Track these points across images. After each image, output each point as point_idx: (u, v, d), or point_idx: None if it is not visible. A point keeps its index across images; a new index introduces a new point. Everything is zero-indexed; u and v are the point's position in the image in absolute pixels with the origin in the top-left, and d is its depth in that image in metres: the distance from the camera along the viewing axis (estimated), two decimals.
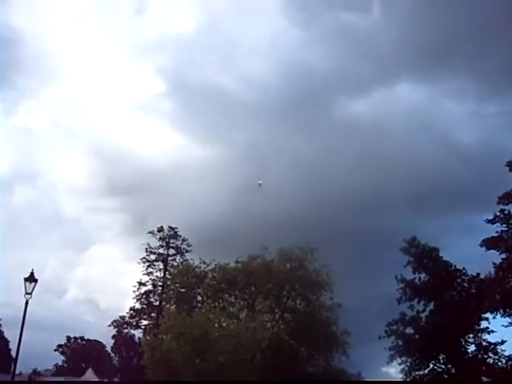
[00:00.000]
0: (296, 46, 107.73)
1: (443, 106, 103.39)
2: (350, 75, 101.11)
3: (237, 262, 44.03)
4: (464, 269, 37.75)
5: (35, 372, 77.37)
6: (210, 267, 44.46)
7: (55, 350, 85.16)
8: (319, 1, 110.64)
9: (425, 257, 37.90)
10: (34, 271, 25.29)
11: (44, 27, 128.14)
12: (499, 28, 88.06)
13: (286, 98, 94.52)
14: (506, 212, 34.75)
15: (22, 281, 24.91)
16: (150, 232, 63.92)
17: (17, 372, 31.84)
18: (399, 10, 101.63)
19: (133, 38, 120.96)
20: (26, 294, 24.77)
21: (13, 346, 67.63)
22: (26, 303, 24.71)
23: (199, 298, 44.87)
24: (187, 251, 63.08)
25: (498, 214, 34.87)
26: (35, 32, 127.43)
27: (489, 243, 34.81)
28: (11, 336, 71.42)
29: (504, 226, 34.83)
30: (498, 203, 34.95)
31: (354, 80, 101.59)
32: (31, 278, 25.01)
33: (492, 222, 35.11)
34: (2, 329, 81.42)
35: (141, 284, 62.70)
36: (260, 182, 51.68)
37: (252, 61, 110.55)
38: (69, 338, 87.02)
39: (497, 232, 35.03)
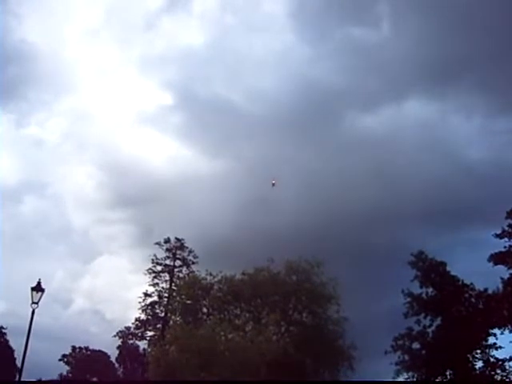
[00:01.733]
0: (305, 61, 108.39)
1: (452, 122, 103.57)
2: (360, 90, 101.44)
3: (243, 274, 43.93)
4: (471, 284, 37.54)
5: (39, 382, 77.13)
6: (216, 279, 44.40)
7: (60, 360, 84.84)
8: (329, 17, 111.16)
9: (432, 271, 37.71)
10: (41, 281, 25.33)
11: (56, 42, 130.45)
12: (508, 44, 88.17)
13: (294, 113, 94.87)
14: None
15: (29, 290, 24.94)
16: (156, 243, 63.83)
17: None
18: (409, 25, 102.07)
19: (142, 52, 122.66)
20: (33, 303, 24.80)
21: (18, 355, 67.67)
22: (33, 313, 24.74)
23: (205, 309, 44.76)
24: (193, 263, 62.87)
25: (506, 228, 34.72)
26: (48, 47, 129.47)
27: (497, 258, 34.67)
28: (16, 345, 71.38)
29: None
30: (507, 218, 34.88)
31: (363, 95, 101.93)
32: (38, 288, 25.06)
33: (500, 236, 34.99)
34: (8, 338, 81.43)
35: (146, 295, 62.53)
36: (274, 181, 51.64)
37: (260, 75, 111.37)
38: (74, 347, 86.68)
39: (505, 247, 34.90)
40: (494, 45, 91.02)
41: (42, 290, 25.18)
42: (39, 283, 25.22)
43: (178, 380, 35.71)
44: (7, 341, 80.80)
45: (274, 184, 51.29)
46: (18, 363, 51.59)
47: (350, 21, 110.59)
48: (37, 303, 24.84)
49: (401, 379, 37.31)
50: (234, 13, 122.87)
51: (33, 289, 24.98)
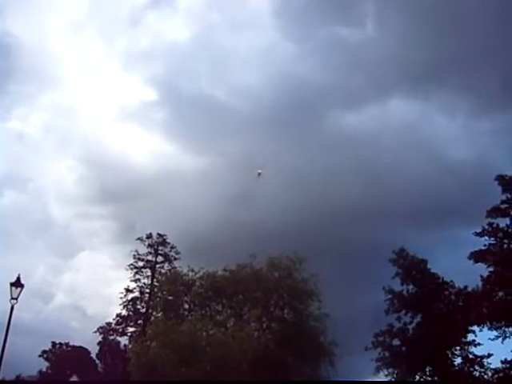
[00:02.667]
0: (289, 58, 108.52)
1: (436, 121, 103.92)
2: (344, 88, 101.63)
3: (225, 270, 43.94)
4: (452, 281, 37.98)
5: (18, 378, 76.50)
6: (198, 275, 44.35)
7: (39, 356, 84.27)
8: (313, 15, 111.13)
9: (413, 268, 38.05)
10: (21, 276, 25.09)
11: (40, 35, 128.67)
12: (492, 45, 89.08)
13: (278, 110, 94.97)
14: (494, 225, 34.95)
15: (8, 286, 24.70)
16: (138, 238, 63.59)
17: (0, 378, 31.48)
18: (393, 25, 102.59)
19: (127, 47, 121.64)
20: (12, 299, 24.56)
21: None
22: (12, 308, 24.50)
23: (186, 305, 44.69)
24: (175, 259, 62.75)
25: (487, 227, 35.07)
26: (31, 40, 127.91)
27: (477, 256, 35.00)
28: None
29: (492, 239, 35.08)
30: (487, 217, 35.20)
31: (347, 93, 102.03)
32: (17, 283, 24.81)
33: (480, 234, 35.33)
34: None
35: (128, 291, 62.27)
36: (259, 171, 51.57)
37: (245, 72, 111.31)
38: (54, 343, 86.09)
39: (485, 245, 35.26)
40: (478, 45, 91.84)
41: (22, 286, 24.94)
42: (18, 278, 24.97)
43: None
44: None
45: (259, 174, 51.28)
46: None
47: (335, 19, 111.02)
48: (16, 299, 24.60)
49: (381, 375, 37.68)
50: (219, 9, 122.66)
51: (12, 284, 24.73)
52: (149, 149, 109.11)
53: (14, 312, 24.46)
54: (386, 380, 37.05)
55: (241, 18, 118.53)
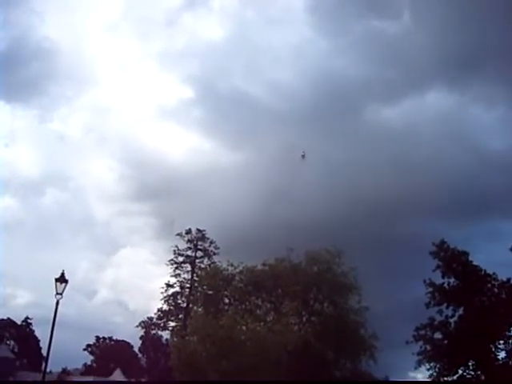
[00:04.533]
0: (324, 53, 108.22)
1: (473, 112, 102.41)
2: (380, 82, 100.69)
3: (264, 264, 44.08)
4: (494, 273, 37.13)
5: (64, 371, 78.56)
6: (237, 270, 44.63)
7: (84, 350, 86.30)
8: (347, 9, 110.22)
9: (454, 261, 37.35)
10: (65, 272, 25.72)
11: (78, 38, 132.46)
12: None
13: (314, 105, 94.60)
14: None
15: (53, 281, 25.34)
16: (178, 234, 64.41)
17: (47, 370, 32.38)
18: (430, 16, 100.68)
19: (163, 46, 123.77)
20: (57, 294, 25.19)
21: (43, 345, 68.96)
22: (57, 303, 25.14)
23: (226, 300, 45.03)
24: (215, 254, 63.32)
25: None
26: (69, 43, 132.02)
27: None
28: (42, 335, 72.76)
29: None
30: None
31: (383, 87, 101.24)
32: (62, 279, 25.43)
33: None
34: (33, 328, 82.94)
35: (168, 286, 63.12)
36: (303, 153, 51.29)
37: (280, 69, 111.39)
38: (98, 337, 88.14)
39: None
40: None
41: (66, 281, 25.55)
42: (63, 274, 25.58)
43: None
44: (33, 331, 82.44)
45: (303, 156, 51.03)
46: (44, 353, 52.69)
47: (370, 12, 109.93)
48: (61, 294, 25.22)
49: (422, 369, 37.25)
50: (252, 7, 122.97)
51: (57, 280, 25.35)
52: (187, 146, 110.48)
53: (59, 307, 25.12)
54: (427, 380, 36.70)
55: (274, 15, 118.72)
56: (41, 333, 75.70)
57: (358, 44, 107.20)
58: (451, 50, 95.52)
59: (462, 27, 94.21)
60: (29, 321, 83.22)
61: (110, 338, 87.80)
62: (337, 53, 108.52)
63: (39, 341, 76.74)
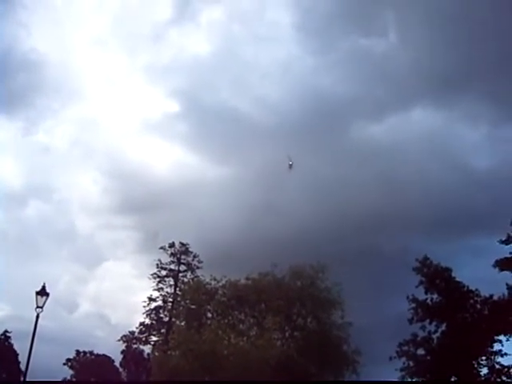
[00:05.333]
0: (311, 70, 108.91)
1: (458, 130, 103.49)
2: (366, 99, 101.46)
3: (247, 278, 43.95)
4: (477, 290, 37.32)
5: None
6: (220, 284, 44.45)
7: (64, 364, 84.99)
8: (334, 27, 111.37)
9: (437, 277, 37.51)
10: (46, 285, 25.40)
11: (65, 51, 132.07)
12: None
13: (300, 121, 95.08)
14: None
15: (34, 294, 25.00)
16: (161, 247, 64.03)
17: None
18: (416, 35, 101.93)
19: (149, 61, 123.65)
20: (37, 307, 24.86)
21: (22, 359, 67.79)
22: (37, 317, 24.81)
23: (209, 314, 44.76)
24: (198, 267, 63.01)
25: None
26: (56, 55, 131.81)
27: (502, 264, 34.46)
28: (21, 349, 71.48)
29: None
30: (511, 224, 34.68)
31: (369, 104, 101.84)
32: (43, 292, 25.14)
33: (505, 242, 34.80)
34: (12, 341, 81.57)
35: (151, 299, 62.64)
36: (291, 162, 50.64)
37: (267, 84, 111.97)
38: (78, 352, 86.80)
39: (510, 253, 34.71)
40: (500, 54, 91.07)
41: (47, 294, 25.27)
42: (44, 287, 25.30)
43: (177, 380, 35.70)
44: (11, 344, 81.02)
45: (291, 165, 50.48)
46: (23, 367, 51.80)
47: (356, 31, 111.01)
48: (41, 307, 24.93)
49: None
50: (239, 23, 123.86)
51: (37, 293, 25.06)
52: (171, 160, 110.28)
53: (39, 320, 24.78)
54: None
55: (261, 31, 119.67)
56: (20, 346, 74.38)
57: (345, 61, 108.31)
58: (437, 69, 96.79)
59: (447, 46, 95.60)
60: (8, 334, 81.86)
61: (91, 353, 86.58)
62: (323, 70, 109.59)
63: (18, 355, 75.46)
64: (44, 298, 25.03)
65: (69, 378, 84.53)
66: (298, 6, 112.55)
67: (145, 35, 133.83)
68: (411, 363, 36.41)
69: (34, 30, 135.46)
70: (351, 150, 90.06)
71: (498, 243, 35.32)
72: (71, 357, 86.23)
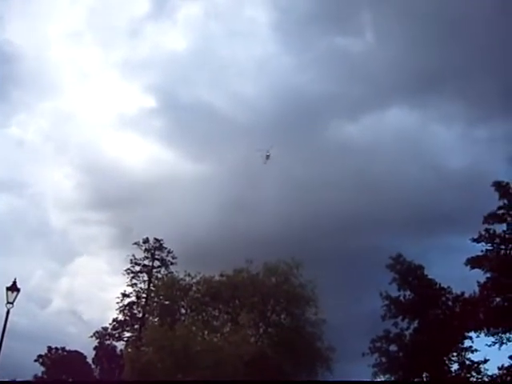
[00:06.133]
0: (288, 68, 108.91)
1: (433, 130, 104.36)
2: (342, 98, 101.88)
3: (221, 275, 43.92)
4: (449, 287, 37.85)
5: (13, 382, 76.11)
6: (194, 280, 44.36)
7: (35, 361, 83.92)
8: (311, 25, 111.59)
9: (410, 274, 37.94)
10: (17, 281, 24.99)
11: (40, 44, 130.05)
12: (490, 53, 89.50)
13: (276, 119, 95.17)
14: (491, 231, 34.92)
15: (4, 290, 24.60)
16: (135, 243, 63.41)
17: None
18: (392, 35, 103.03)
19: (126, 55, 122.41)
20: (8, 303, 24.45)
21: None
22: (7, 313, 24.39)
23: (183, 310, 44.64)
24: (172, 263, 62.56)
25: (483, 233, 35.03)
26: (31, 48, 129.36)
27: (473, 262, 34.92)
28: None
29: (489, 245, 34.98)
30: (484, 223, 35.11)
31: (345, 103, 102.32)
32: (13, 288, 24.70)
33: (477, 240, 35.24)
34: None
35: (124, 295, 62.08)
36: (268, 153, 49.41)
37: (243, 81, 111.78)
38: (50, 348, 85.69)
39: (481, 251, 35.20)
40: (475, 55, 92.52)
41: (18, 290, 24.83)
42: (15, 283, 24.86)
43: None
44: None
45: (268, 156, 49.31)
46: None
47: (333, 30, 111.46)
48: (12, 303, 24.49)
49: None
50: (216, 19, 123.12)
51: (8, 288, 24.62)
52: (147, 155, 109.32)
53: (9, 316, 24.36)
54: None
55: (238, 29, 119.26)
56: None
57: (322, 60, 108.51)
58: (412, 69, 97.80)
59: (423, 46, 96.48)
60: None
61: (63, 349, 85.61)
62: (300, 68, 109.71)
63: None
64: (15, 293, 24.58)
65: (40, 374, 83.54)
66: (275, 5, 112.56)
67: (121, 30, 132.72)
68: (384, 359, 36.77)
69: (8, 22, 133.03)
70: (327, 149, 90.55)
71: (469, 241, 35.80)
72: (43, 353, 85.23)
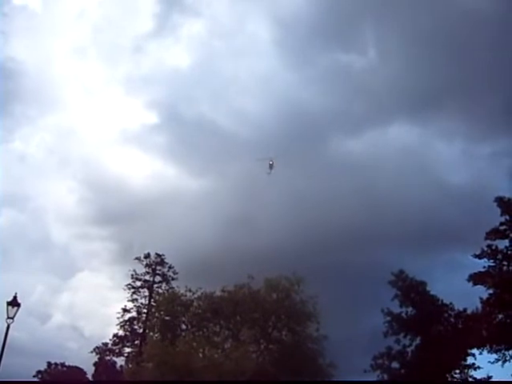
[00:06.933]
0: (290, 85, 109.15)
1: (435, 146, 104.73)
2: (345, 115, 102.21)
3: (223, 291, 43.71)
4: (451, 303, 37.71)
5: (13, 382, 75.46)
6: (195, 295, 44.15)
7: (34, 376, 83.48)
8: (314, 42, 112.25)
9: (412, 291, 37.85)
10: (18, 295, 24.90)
11: (44, 59, 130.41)
12: (491, 70, 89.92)
13: (279, 135, 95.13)
14: (493, 247, 34.82)
15: (5, 305, 24.51)
16: (136, 258, 63.24)
17: None
18: (394, 51, 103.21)
19: (129, 72, 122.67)
20: (8, 318, 24.34)
21: None
22: (8, 328, 24.27)
23: (184, 326, 44.38)
24: (173, 279, 62.39)
25: (486, 249, 34.92)
26: (35, 64, 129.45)
27: (476, 278, 34.80)
28: None
29: (491, 261, 34.87)
30: (486, 239, 35.03)
31: (347, 119, 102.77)
32: (14, 303, 24.60)
33: (479, 257, 35.14)
34: None
35: (125, 311, 61.80)
36: (271, 162, 49.87)
37: (245, 98, 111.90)
38: (49, 363, 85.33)
39: (484, 267, 35.07)
40: (476, 72, 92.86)
41: (18, 305, 24.72)
42: (15, 298, 24.76)
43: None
44: None
45: (271, 164, 49.85)
46: None
47: (336, 46, 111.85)
48: (12, 318, 24.38)
49: None
50: (219, 37, 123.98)
51: (8, 303, 24.52)
52: (149, 171, 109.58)
53: (9, 331, 24.25)
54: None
55: (241, 46, 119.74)
56: None
57: (324, 77, 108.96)
58: (414, 86, 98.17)
59: (425, 64, 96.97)
60: None
61: (63, 364, 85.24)
62: (303, 84, 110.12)
63: None
64: (15, 308, 24.49)
65: None
66: (278, 21, 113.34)
67: (124, 46, 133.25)
68: (385, 376, 36.56)
69: (12, 37, 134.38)
70: (329, 165, 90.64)
71: (472, 258, 35.70)
72: (42, 369, 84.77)
